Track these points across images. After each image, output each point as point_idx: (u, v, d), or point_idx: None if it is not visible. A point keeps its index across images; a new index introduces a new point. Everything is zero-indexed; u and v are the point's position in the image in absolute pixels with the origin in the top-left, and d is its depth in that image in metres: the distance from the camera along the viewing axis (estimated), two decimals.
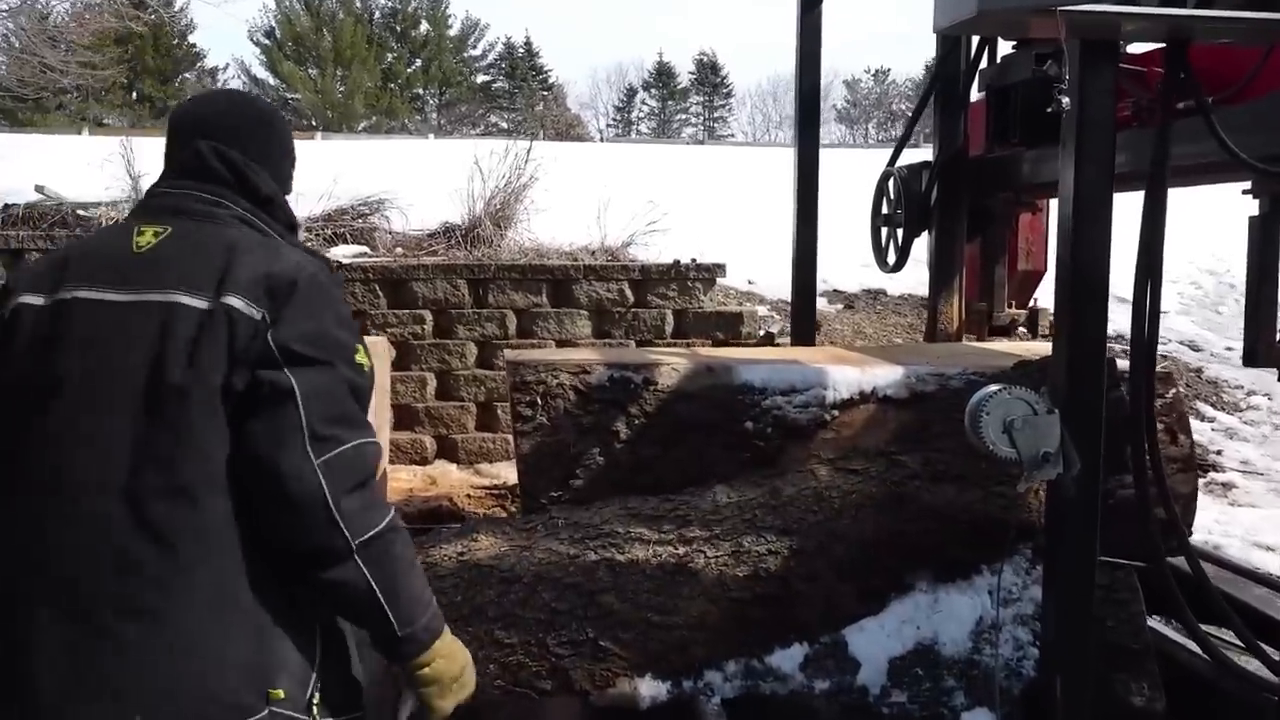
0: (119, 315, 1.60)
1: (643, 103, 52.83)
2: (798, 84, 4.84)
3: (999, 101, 4.08)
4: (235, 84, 43.99)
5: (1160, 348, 8.99)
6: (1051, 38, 2.14)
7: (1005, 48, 4.15)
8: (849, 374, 3.11)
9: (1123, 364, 3.04)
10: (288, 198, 1.86)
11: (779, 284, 8.62)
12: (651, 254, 7.22)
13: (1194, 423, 7.27)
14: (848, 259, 8.17)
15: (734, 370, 3.13)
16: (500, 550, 2.89)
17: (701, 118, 52.24)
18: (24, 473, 1.58)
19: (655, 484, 3.06)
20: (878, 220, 4.82)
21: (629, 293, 6.45)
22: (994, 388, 2.38)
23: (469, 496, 5.25)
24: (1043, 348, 3.91)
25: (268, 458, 1.54)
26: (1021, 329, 4.41)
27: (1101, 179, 2.31)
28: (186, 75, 41.69)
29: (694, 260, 6.56)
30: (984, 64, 4.33)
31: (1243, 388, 7.65)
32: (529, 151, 6.89)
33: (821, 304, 8.22)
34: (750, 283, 8.18)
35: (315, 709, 1.61)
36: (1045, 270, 4.56)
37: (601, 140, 28.18)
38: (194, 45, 41.66)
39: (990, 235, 4.37)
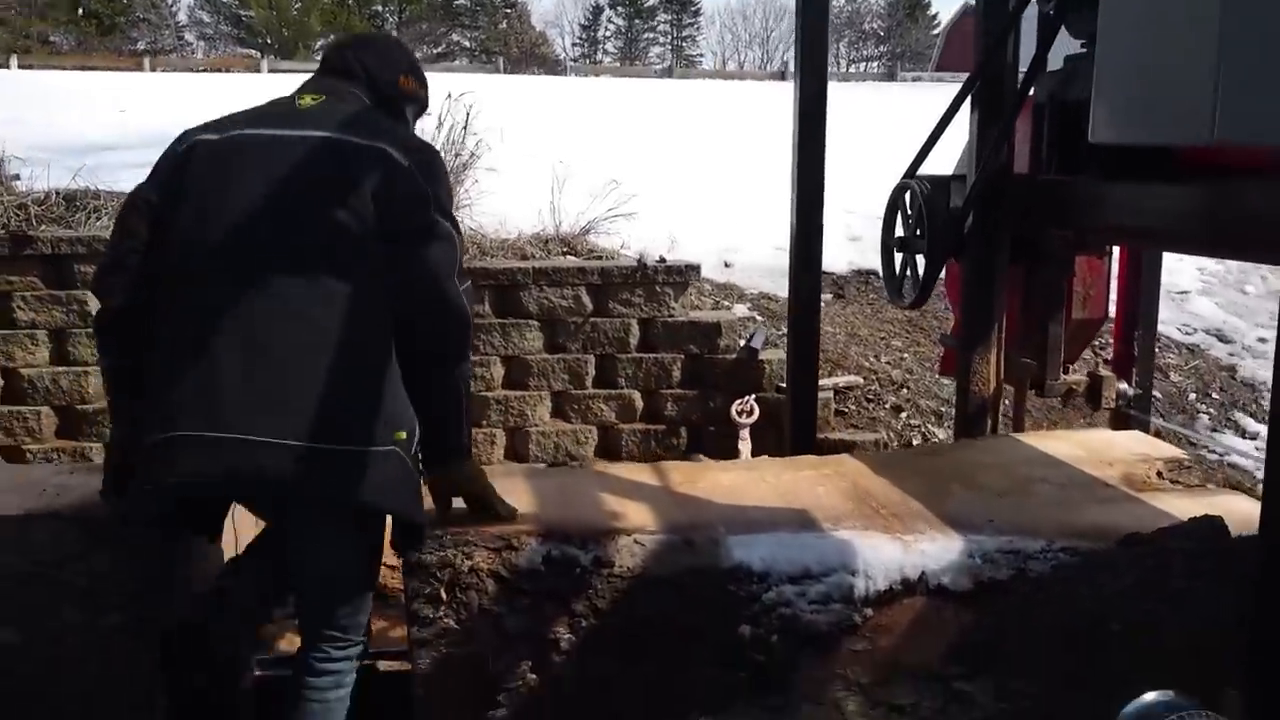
0: (287, 144, 2.06)
1: (609, 21, 50.69)
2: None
3: (1061, 117, 3.12)
4: None
5: (1187, 338, 7.82)
6: None
7: (1073, 45, 3.18)
8: (886, 551, 2.18)
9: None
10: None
11: (758, 261, 7.61)
12: (614, 242, 6.21)
13: (1233, 440, 6.40)
14: (833, 230, 7.18)
15: (722, 546, 2.18)
16: None
17: (670, 37, 50.23)
18: (207, 255, 2.00)
19: (610, 717, 2.15)
20: (891, 241, 3.86)
21: (587, 300, 5.46)
22: (1152, 699, 1.47)
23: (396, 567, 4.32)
24: (1116, 444, 3.01)
25: (435, 280, 2.04)
26: (1079, 397, 3.50)
27: None
28: None
29: (662, 260, 5.57)
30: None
31: None
32: (465, 127, 5.82)
33: None
34: (727, 265, 7.17)
35: (418, 457, 2.09)
36: (1105, 318, 3.65)
37: (569, 71, 26.58)
38: None
39: (1042, 280, 3.43)
